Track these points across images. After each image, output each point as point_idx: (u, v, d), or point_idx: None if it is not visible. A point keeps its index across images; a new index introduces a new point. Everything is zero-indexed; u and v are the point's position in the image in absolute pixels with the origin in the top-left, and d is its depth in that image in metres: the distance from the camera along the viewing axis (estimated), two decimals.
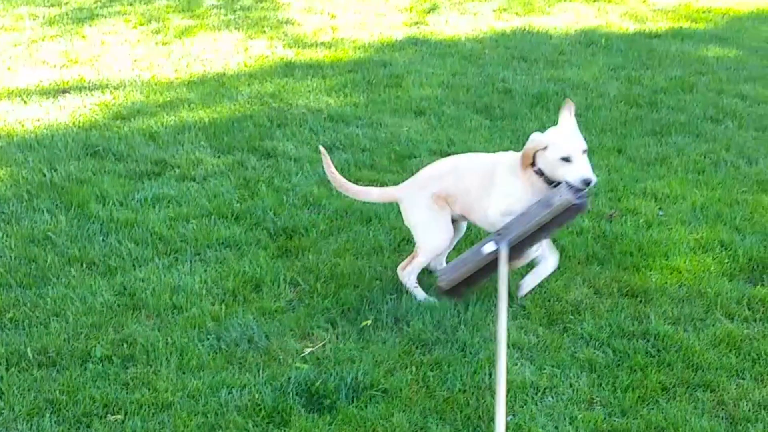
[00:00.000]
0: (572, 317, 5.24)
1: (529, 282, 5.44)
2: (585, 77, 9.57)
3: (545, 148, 5.13)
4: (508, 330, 4.86)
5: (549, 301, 5.40)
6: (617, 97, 8.92)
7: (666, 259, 5.85)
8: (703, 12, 12.40)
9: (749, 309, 5.35)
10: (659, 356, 4.90)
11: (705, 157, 7.46)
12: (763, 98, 8.92)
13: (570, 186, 5.05)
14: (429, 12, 12.34)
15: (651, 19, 12.00)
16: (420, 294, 5.45)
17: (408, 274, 5.48)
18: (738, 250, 5.92)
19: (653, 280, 5.63)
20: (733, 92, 9.11)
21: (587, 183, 5.04)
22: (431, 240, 5.50)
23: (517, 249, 5.18)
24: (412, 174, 6.85)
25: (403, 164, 7.18)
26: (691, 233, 6.18)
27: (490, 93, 9.05)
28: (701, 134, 7.99)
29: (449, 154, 7.28)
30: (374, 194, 5.82)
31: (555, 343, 5.02)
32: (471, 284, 5.40)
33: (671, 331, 5.10)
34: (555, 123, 5.33)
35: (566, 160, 5.07)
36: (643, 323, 5.19)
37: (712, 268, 5.76)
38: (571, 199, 5.02)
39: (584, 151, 5.13)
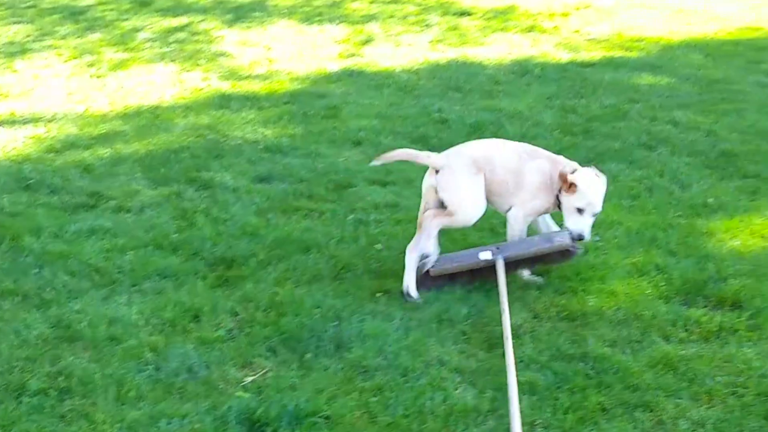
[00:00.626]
0: (512, 341, 5.26)
1: None
2: (520, 107, 9.64)
3: (575, 188, 5.67)
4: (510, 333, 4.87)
5: (489, 325, 5.42)
6: (552, 126, 9.00)
7: (603, 283, 5.89)
8: (636, 41, 12.58)
9: (685, 330, 5.40)
10: (598, 378, 4.92)
11: (639, 183, 7.54)
12: (695, 124, 9.04)
13: (569, 232, 5.73)
14: (364, 44, 12.39)
15: (584, 49, 12.14)
16: (411, 271, 5.70)
17: (434, 224, 5.75)
18: (673, 273, 5.98)
19: (591, 303, 5.67)
20: (665, 119, 9.23)
21: (580, 238, 5.75)
22: (472, 204, 5.81)
23: (506, 266, 5.68)
24: (350, 204, 6.89)
25: (340, 194, 7.18)
26: (627, 257, 6.23)
27: (427, 123, 9.10)
28: (635, 161, 8.08)
29: (387, 184, 7.32)
30: (422, 157, 6.00)
31: (496, 366, 5.02)
32: (452, 280, 5.79)
33: (609, 353, 5.14)
34: None
35: (579, 210, 5.73)
36: (582, 346, 5.21)
37: (648, 292, 5.82)
38: (569, 244, 5.74)
39: (595, 214, 5.80)
